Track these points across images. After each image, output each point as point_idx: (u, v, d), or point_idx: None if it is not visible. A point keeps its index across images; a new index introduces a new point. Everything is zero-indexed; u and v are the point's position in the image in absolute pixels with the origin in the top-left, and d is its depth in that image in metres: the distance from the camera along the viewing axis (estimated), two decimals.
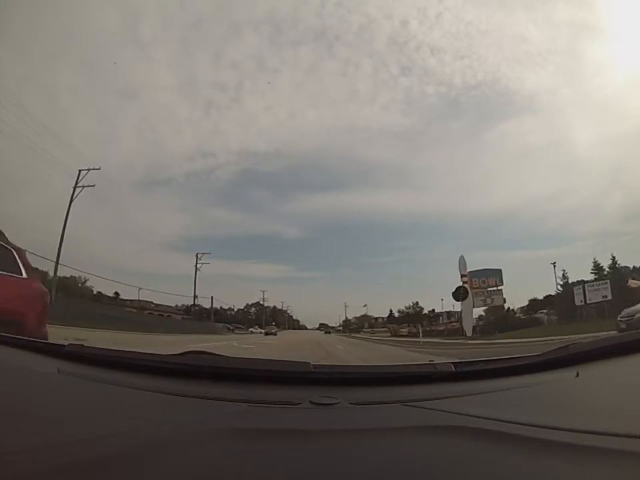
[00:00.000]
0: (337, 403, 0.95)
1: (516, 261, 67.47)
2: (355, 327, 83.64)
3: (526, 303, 47.06)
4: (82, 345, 1.47)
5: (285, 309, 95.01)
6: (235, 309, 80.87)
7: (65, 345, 1.41)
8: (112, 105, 76.75)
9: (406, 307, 73.85)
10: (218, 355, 1.42)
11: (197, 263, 46.23)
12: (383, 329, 72.58)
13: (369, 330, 76.15)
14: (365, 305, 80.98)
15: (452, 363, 1.21)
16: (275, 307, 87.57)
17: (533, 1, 72.22)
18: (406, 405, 0.96)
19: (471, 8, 76.50)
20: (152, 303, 54.18)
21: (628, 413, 0.86)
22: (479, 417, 0.84)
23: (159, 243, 65.90)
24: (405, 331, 57.77)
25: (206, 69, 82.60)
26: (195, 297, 46.79)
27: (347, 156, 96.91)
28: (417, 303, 72.73)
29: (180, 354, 1.38)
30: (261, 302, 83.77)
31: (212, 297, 55.41)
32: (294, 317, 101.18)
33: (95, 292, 48.31)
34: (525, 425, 0.78)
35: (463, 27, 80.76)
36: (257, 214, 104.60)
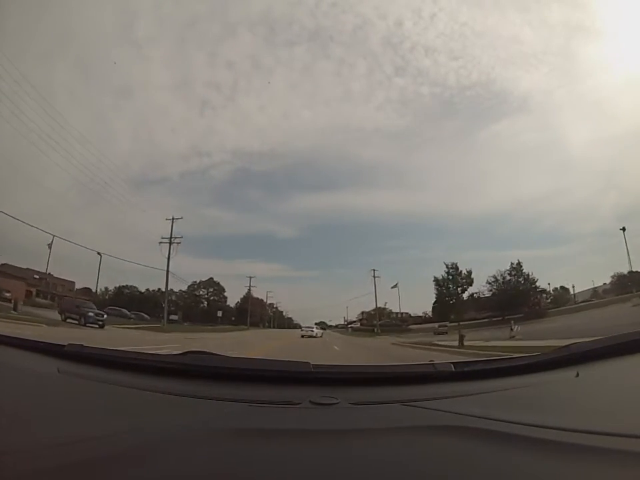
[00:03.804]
0: (337, 402, 0.95)
1: (512, 260, 66.76)
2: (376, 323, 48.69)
3: None
4: (82, 345, 1.46)
5: (274, 303, 74.06)
6: (178, 291, 56.75)
7: (64, 345, 1.41)
8: (107, 104, 76.92)
9: (501, 273, 40.35)
10: (218, 354, 1.42)
11: None
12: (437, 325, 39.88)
13: (441, 326, 38.55)
14: (394, 285, 49.02)
15: (452, 363, 1.21)
16: (250, 293, 60.83)
17: (528, 2, 71.71)
18: (406, 405, 0.96)
19: (466, 9, 75.99)
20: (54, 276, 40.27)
21: (628, 412, 0.87)
22: (479, 417, 0.84)
23: (155, 241, 65.03)
24: None
25: (201, 68, 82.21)
26: None
27: (342, 156, 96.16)
28: (519, 263, 40.38)
29: (180, 354, 1.38)
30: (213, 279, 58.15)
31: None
32: (285, 314, 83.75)
33: None
34: (525, 425, 0.78)
35: (458, 28, 79.21)
36: (252, 213, 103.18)
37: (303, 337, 28.36)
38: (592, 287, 45.20)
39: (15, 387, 1.09)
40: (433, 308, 51.89)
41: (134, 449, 0.71)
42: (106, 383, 1.13)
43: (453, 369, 1.18)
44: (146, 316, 39.79)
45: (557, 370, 1.21)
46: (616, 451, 0.66)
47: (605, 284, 44.67)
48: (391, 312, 57.11)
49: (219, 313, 49.60)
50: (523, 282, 41.55)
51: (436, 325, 40.93)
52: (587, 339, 1.34)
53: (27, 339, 1.56)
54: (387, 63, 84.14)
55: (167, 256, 35.13)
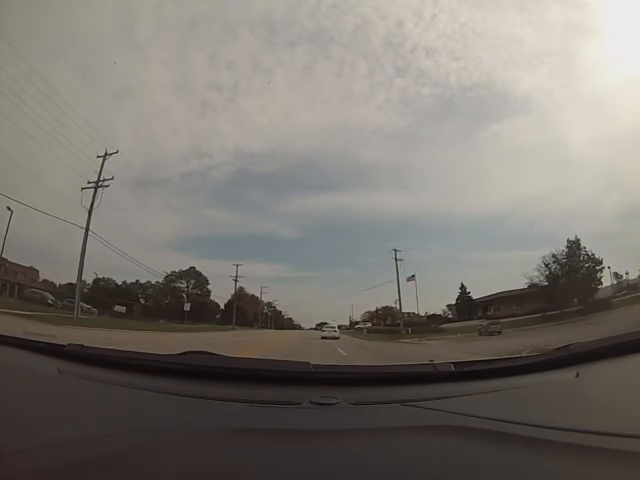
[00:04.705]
0: (337, 403, 0.96)
1: (513, 261, 65.44)
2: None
3: None
4: (82, 345, 1.47)
5: (271, 301, 68.91)
6: (155, 282, 49.02)
7: (64, 345, 1.42)
8: (108, 105, 75.94)
9: (559, 253, 28.69)
10: (218, 354, 1.42)
11: None
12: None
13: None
14: (411, 277, 38.64)
15: (452, 363, 1.21)
16: (237, 287, 51.99)
17: (527, 3, 71.46)
18: (406, 405, 0.96)
19: (466, 9, 74.49)
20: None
21: (628, 413, 0.86)
22: (479, 417, 0.84)
23: (155, 242, 65.14)
24: None
25: (201, 69, 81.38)
26: None
27: (343, 156, 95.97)
28: (578, 240, 28.12)
29: (180, 354, 1.38)
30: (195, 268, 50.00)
31: None
32: (284, 314, 78.80)
33: None
34: (525, 425, 0.78)
35: (458, 29, 78.43)
36: (253, 214, 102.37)
37: (323, 338, 25.39)
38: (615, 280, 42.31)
39: (15, 386, 1.09)
40: (455, 305, 44.56)
41: (134, 449, 0.71)
42: (106, 383, 1.13)
43: (453, 369, 1.18)
44: (86, 305, 29.32)
45: (556, 370, 1.20)
46: (616, 451, 0.66)
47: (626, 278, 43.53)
48: (398, 311, 46.50)
49: (186, 307, 39.67)
50: (585, 264, 28.58)
51: (484, 322, 29.31)
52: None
53: (27, 339, 1.56)
54: (388, 63, 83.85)
55: (88, 208, 22.96)
